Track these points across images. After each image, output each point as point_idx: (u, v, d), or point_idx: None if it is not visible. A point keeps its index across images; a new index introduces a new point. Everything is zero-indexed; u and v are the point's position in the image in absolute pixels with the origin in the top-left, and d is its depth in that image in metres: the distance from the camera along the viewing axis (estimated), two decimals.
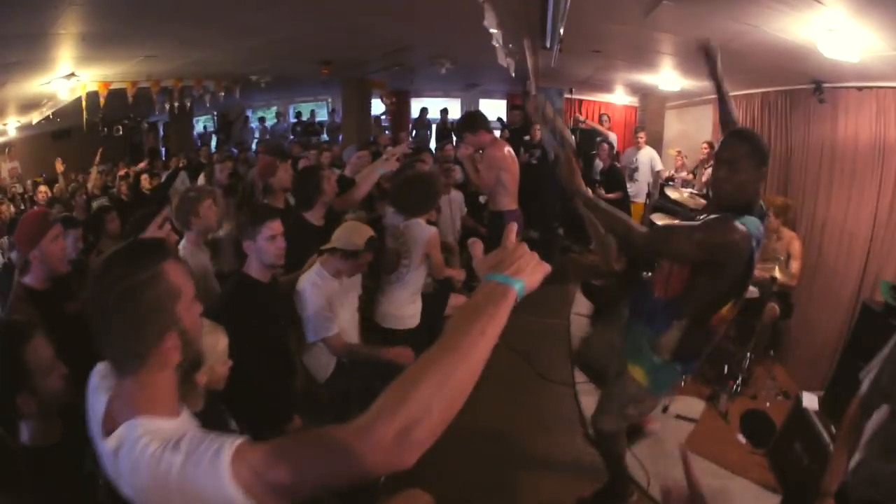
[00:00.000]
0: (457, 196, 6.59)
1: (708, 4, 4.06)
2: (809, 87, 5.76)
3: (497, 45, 5.92)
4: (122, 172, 9.94)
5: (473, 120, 5.54)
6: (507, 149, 5.60)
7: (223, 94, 10.68)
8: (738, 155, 2.72)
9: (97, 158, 9.08)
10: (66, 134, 10.04)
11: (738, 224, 2.59)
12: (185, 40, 6.62)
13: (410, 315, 4.46)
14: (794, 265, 5.37)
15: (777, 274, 5.02)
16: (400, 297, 4.40)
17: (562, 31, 4.65)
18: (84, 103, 7.82)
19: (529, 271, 1.34)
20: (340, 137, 13.37)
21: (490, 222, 6.03)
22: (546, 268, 1.38)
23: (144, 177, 8.89)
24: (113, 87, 8.06)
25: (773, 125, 6.98)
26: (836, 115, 5.62)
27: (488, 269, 1.33)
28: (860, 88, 5.20)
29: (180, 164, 9.72)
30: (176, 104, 10.46)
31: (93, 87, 7.79)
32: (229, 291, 3.34)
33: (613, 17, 4.90)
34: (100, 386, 1.49)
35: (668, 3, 4.08)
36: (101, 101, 7.99)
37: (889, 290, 4.10)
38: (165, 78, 9.04)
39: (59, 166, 9.44)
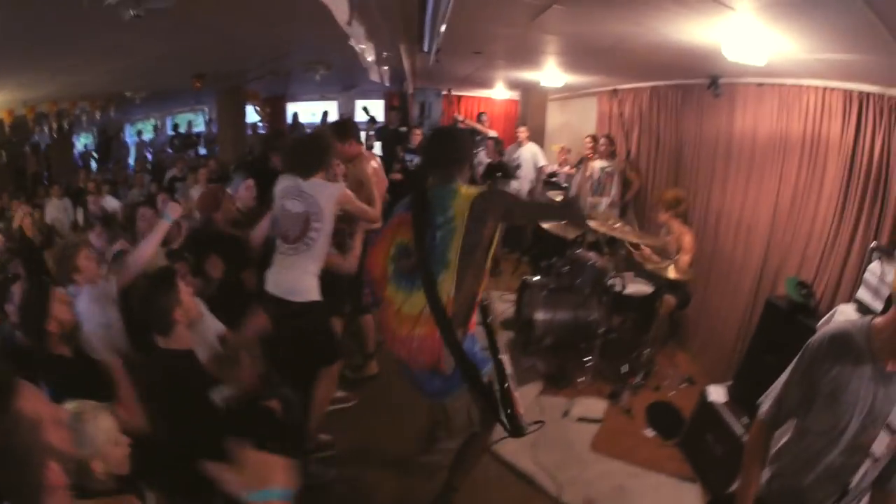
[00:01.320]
0: None
1: (600, 7, 3.78)
2: (703, 82, 5.63)
3: (368, 60, 5.47)
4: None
5: (344, 128, 5.02)
6: (375, 162, 5.20)
7: (99, 113, 10.55)
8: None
9: None
10: None
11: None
12: (53, 67, 6.51)
13: (311, 288, 3.96)
14: (684, 259, 5.32)
15: (671, 274, 4.98)
16: (304, 266, 3.93)
17: (441, 33, 4.34)
18: None
19: (278, 472, 1.39)
20: (217, 149, 12.93)
21: None
22: (283, 460, 1.41)
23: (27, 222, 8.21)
24: None
25: (663, 118, 6.93)
26: (732, 108, 5.56)
27: (241, 489, 1.34)
28: (760, 84, 5.12)
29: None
30: (55, 126, 10.40)
31: None
32: None
33: (498, 19, 4.60)
34: None
35: (558, 7, 3.77)
36: None
37: (794, 287, 4.10)
38: (40, 102, 8.99)
39: None
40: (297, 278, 3.89)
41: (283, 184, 4.04)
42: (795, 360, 2.18)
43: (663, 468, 4.20)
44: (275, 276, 3.95)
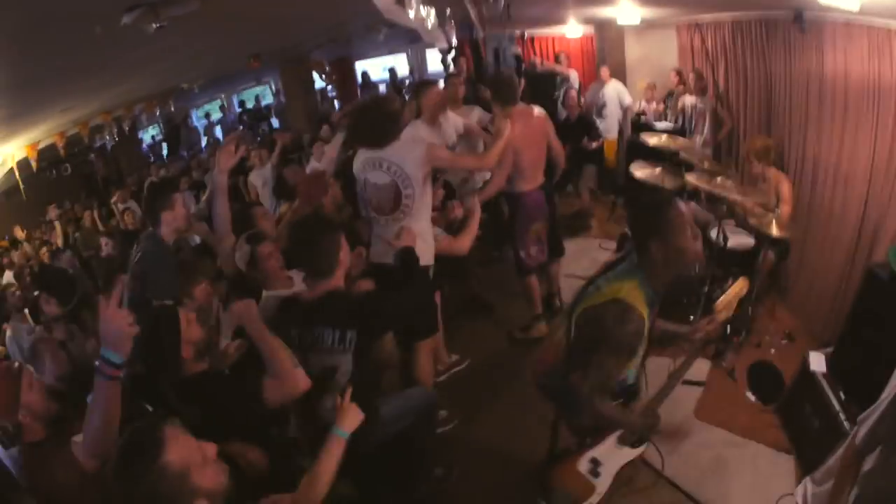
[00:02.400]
0: None
1: None
2: (787, 15, 5.29)
3: (428, 28, 5.25)
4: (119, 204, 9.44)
5: (507, 92, 4.83)
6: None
7: (158, 110, 10.70)
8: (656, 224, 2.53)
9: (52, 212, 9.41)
10: (16, 192, 9.76)
11: (624, 306, 2.53)
12: (93, 85, 6.43)
13: (424, 250, 3.73)
14: (785, 210, 5.11)
15: (773, 230, 4.73)
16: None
17: None
18: (17, 173, 7.95)
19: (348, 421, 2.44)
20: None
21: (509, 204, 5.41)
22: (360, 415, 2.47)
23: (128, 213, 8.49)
24: (42, 145, 8.14)
25: (749, 54, 6.53)
26: (822, 47, 5.12)
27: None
28: (847, 23, 4.69)
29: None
30: (115, 130, 10.32)
31: (21, 155, 7.87)
32: None
33: None
34: None
35: None
36: (34, 164, 8.12)
37: None
38: (93, 117, 8.96)
39: (20, 233, 9.60)
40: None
41: (363, 156, 3.89)
42: (893, 394, 2.05)
43: (762, 437, 4.15)
44: (379, 246, 3.90)
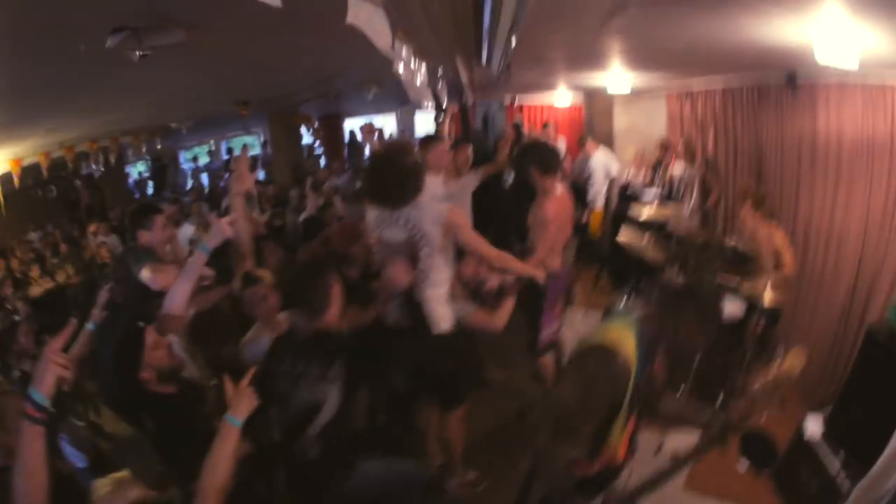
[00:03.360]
0: None
1: (680, 6, 3.43)
2: (780, 82, 5.39)
3: (417, 86, 5.24)
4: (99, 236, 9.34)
5: (549, 161, 4.37)
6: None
7: (145, 146, 10.69)
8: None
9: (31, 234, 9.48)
10: None
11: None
12: (80, 109, 6.42)
13: (442, 315, 3.46)
14: (787, 257, 4.94)
15: (766, 298, 4.74)
16: (430, 298, 3.43)
17: (513, 47, 4.19)
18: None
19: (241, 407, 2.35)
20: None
21: None
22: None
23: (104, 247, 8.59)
24: (25, 162, 8.12)
25: (740, 120, 6.65)
26: (814, 108, 5.22)
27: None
28: (842, 83, 4.80)
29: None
30: (101, 159, 10.34)
31: (4, 169, 7.84)
32: None
33: (566, 25, 4.25)
34: None
35: (635, 10, 3.46)
36: (16, 180, 8.03)
37: None
38: (78, 143, 8.94)
39: None
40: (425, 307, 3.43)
41: (374, 212, 3.54)
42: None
43: (755, 502, 4.08)
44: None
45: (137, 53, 3.76)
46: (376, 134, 4.30)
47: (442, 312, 3.43)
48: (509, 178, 7.50)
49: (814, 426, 3.97)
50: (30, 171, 8.35)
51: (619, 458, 2.51)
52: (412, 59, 4.56)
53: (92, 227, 9.53)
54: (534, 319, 4.66)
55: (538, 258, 4.17)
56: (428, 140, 4.75)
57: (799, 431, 4.07)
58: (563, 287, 4.93)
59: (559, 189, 4.48)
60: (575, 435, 2.18)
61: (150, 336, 2.66)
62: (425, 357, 3.30)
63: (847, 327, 4.76)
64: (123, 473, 2.38)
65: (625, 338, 2.21)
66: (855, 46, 3.35)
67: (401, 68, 4.51)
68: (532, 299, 4.43)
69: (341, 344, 2.96)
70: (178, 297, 3.00)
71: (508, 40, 3.73)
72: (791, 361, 2.61)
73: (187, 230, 7.68)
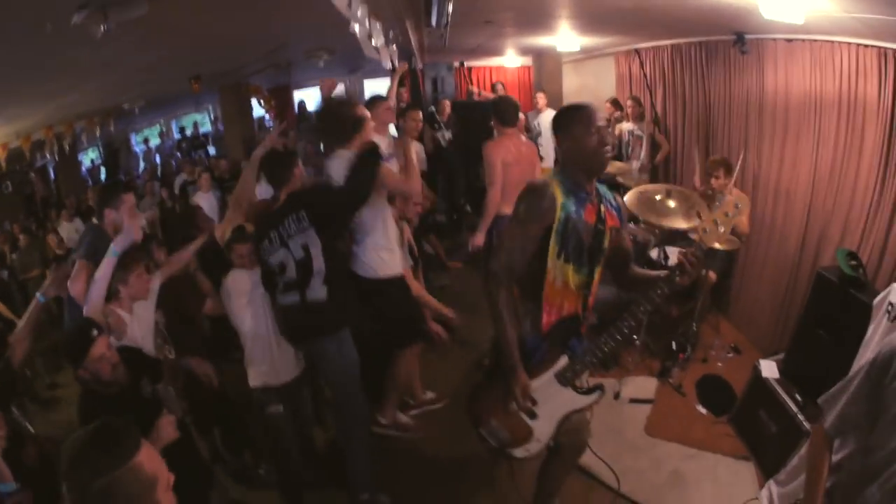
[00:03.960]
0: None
1: None
2: (728, 39, 5.38)
3: (373, 46, 5.18)
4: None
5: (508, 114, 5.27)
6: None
7: (99, 129, 10.49)
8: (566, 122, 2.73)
9: None
10: None
11: (536, 183, 2.70)
12: (38, 93, 6.36)
13: (384, 260, 3.89)
14: (743, 219, 5.07)
15: (717, 244, 4.61)
16: (366, 245, 3.84)
17: (450, 7, 4.17)
18: None
19: None
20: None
21: None
22: None
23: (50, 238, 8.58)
24: None
25: (688, 78, 6.64)
26: (762, 66, 5.26)
27: None
28: (790, 40, 4.80)
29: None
30: (55, 148, 10.09)
31: None
32: None
33: None
34: None
35: None
36: None
37: (844, 259, 3.85)
38: (34, 130, 8.81)
39: None
40: (364, 255, 3.83)
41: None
42: (862, 373, 1.97)
43: (718, 447, 4.12)
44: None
45: (102, 28, 3.64)
46: (336, 89, 4.34)
47: (385, 258, 3.88)
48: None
49: (769, 370, 4.05)
50: None
51: (577, 306, 2.77)
52: (367, 20, 4.50)
53: (60, 217, 9.37)
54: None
55: (493, 196, 5.06)
56: (372, 100, 4.83)
57: (756, 374, 4.14)
58: None
59: (520, 139, 5.42)
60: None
61: (99, 348, 2.65)
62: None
63: (798, 277, 4.87)
64: None
65: (550, 181, 2.65)
66: (801, 3, 3.42)
67: (356, 29, 4.46)
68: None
69: (301, 195, 3.54)
70: (93, 301, 3.14)
71: (444, 4, 3.74)
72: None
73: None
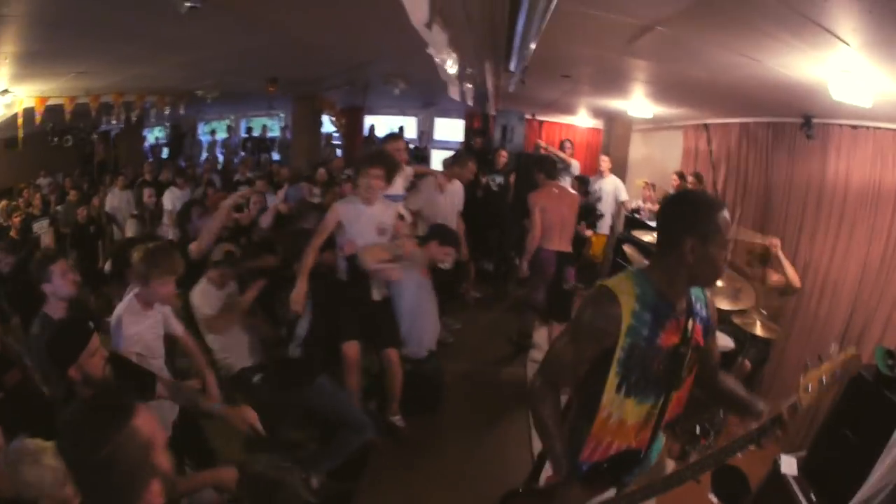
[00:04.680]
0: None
1: (706, 32, 3.58)
2: (796, 121, 5.46)
3: (448, 73, 5.36)
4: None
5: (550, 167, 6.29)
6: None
7: (168, 109, 10.70)
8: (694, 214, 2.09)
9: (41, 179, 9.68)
10: (15, 143, 9.59)
11: (603, 291, 2.17)
12: (116, 57, 6.45)
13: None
14: (790, 272, 4.90)
15: (758, 330, 4.75)
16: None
17: (530, 53, 4.14)
18: (20, 120, 7.81)
19: None
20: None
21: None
22: None
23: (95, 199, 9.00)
24: (50, 102, 8.05)
25: (753, 158, 6.67)
26: (825, 152, 5.33)
27: None
28: (855, 127, 4.87)
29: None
30: (122, 116, 10.61)
31: (29, 104, 7.77)
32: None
33: (591, 41, 4.42)
34: None
35: (662, 29, 3.61)
36: (38, 117, 8.02)
37: (882, 357, 3.71)
38: (104, 93, 8.90)
39: None
40: None
41: None
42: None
43: None
44: None
45: (187, 4, 3.69)
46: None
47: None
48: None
49: (788, 467, 3.91)
50: (52, 114, 8.28)
51: (633, 441, 2.31)
52: (444, 48, 4.64)
53: (117, 183, 9.60)
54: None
55: (533, 234, 5.96)
56: (387, 137, 5.40)
57: (773, 471, 4.01)
58: (551, 264, 6.17)
59: (557, 188, 6.16)
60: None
61: (95, 342, 2.62)
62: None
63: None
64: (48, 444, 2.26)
65: (624, 288, 2.14)
66: (868, 85, 3.47)
67: (433, 52, 4.61)
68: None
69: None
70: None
71: (527, 44, 3.79)
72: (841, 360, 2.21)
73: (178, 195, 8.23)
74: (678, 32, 3.65)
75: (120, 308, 3.45)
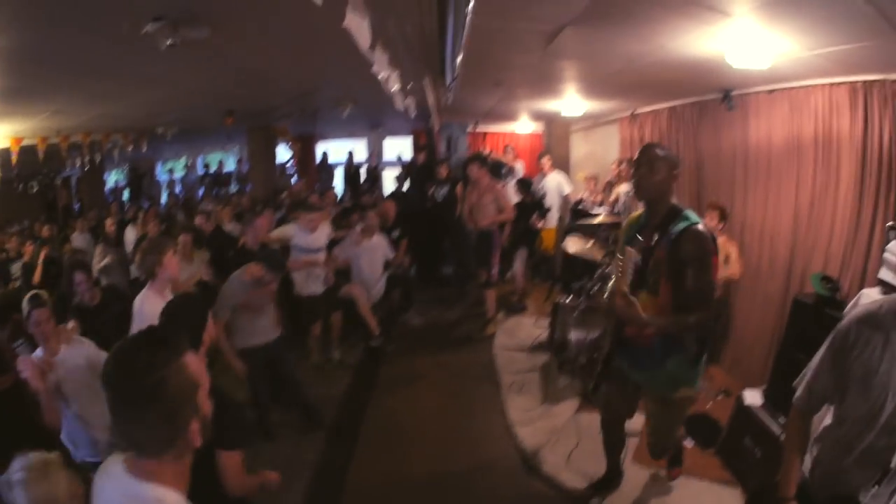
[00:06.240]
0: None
1: (609, 26, 3.90)
2: (718, 96, 5.80)
3: (393, 89, 5.66)
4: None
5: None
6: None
7: (131, 147, 10.91)
8: (654, 158, 3.14)
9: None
10: None
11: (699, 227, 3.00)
12: (90, 93, 6.70)
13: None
14: (735, 269, 5.40)
15: None
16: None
17: (458, 62, 4.52)
18: None
19: None
20: (248, 186, 13.56)
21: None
22: None
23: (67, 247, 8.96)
24: (24, 143, 8.34)
25: (682, 136, 7.02)
26: (746, 119, 5.68)
27: None
28: (770, 91, 5.24)
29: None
30: (87, 159, 10.91)
31: (4, 144, 8.05)
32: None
33: (514, 47, 4.70)
34: None
35: (570, 30, 3.92)
36: (14, 157, 8.26)
37: (819, 282, 4.11)
38: (73, 132, 9.16)
39: None
40: None
41: None
42: (824, 347, 2.14)
43: (704, 475, 4.19)
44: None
45: (168, 42, 4.00)
46: None
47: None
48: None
49: (752, 399, 4.16)
50: (27, 153, 8.48)
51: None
52: (388, 66, 4.90)
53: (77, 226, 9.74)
54: (486, 260, 7.35)
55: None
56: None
57: (738, 404, 4.25)
58: (499, 243, 7.48)
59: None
60: None
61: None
62: None
63: (783, 314, 4.93)
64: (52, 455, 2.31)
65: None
66: (761, 48, 3.82)
67: (377, 70, 4.84)
68: (483, 248, 7.33)
69: None
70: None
71: (454, 58, 4.07)
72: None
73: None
74: (586, 31, 3.95)
75: (139, 300, 3.84)
